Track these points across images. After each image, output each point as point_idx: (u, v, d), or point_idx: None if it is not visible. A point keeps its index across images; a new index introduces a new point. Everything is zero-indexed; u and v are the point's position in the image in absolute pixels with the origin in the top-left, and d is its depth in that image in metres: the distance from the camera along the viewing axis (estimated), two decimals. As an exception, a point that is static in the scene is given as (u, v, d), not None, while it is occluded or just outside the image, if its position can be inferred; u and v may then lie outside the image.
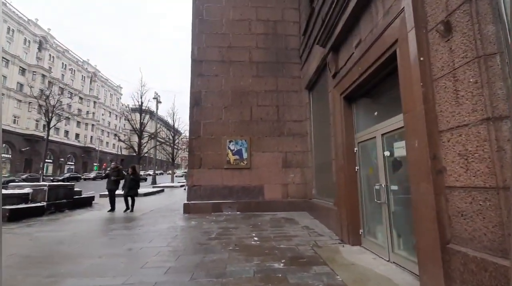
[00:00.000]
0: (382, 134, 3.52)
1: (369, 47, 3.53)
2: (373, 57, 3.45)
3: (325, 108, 6.51)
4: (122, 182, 8.56)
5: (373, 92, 4.07)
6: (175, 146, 24.97)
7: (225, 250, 4.10)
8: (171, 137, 24.92)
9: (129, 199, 8.18)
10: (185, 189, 14.87)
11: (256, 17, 8.40)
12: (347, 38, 4.44)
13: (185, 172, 16.56)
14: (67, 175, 30.23)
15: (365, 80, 3.83)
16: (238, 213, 7.33)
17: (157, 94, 27.82)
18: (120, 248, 4.29)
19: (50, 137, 41.13)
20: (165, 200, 11.83)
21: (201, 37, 8.19)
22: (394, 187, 3.28)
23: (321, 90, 6.80)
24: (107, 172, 9.64)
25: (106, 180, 8.97)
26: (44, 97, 24.05)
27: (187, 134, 32.87)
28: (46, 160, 35.07)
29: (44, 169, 29.94)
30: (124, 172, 8.77)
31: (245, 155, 7.67)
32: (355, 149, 4.41)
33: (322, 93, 6.69)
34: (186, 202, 7.52)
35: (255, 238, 4.71)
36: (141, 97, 17.20)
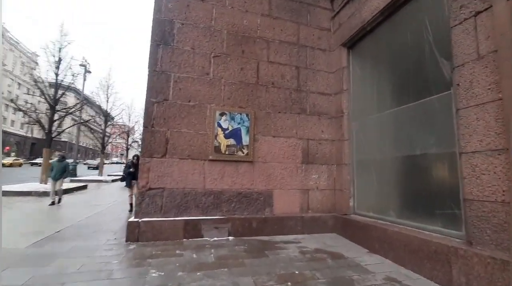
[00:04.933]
0: None
1: None
2: None
3: (384, 73, 3.96)
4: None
5: None
6: (105, 132, 19.39)
7: None
8: (101, 119, 19.22)
9: None
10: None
11: None
12: None
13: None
14: None
15: None
16: (230, 238, 4.21)
17: (85, 60, 21.72)
18: None
19: None
20: (89, 206, 7.64)
21: None
22: None
23: (378, 44, 4.21)
24: None
25: None
26: None
27: (123, 118, 26.54)
28: None
29: None
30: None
31: (245, 139, 4.58)
32: None
33: (380, 49, 4.12)
34: (132, 219, 4.01)
35: None
36: (59, 51, 11.82)
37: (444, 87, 3.10)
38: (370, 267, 3.22)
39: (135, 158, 6.32)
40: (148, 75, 4.29)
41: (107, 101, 18.91)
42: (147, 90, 4.25)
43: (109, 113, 19.44)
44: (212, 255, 3.49)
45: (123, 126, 23.61)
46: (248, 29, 4.89)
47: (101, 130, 19.32)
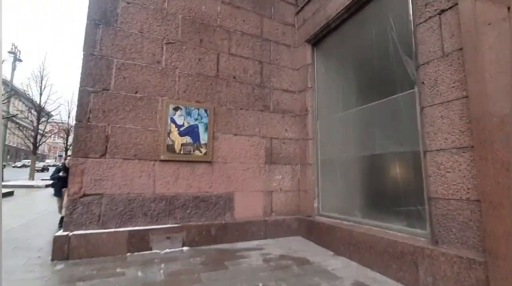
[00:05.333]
0: None
1: None
2: None
3: (349, 71, 3.93)
4: None
5: None
6: (39, 130, 16.73)
7: None
8: (33, 114, 16.48)
9: None
10: None
11: None
12: None
13: None
14: None
15: None
16: (185, 249, 3.70)
17: (15, 47, 18.68)
18: None
19: None
20: (12, 216, 6.26)
21: None
22: None
23: (343, 41, 4.17)
24: None
25: None
26: None
27: (61, 114, 23.13)
28: None
29: None
30: None
31: (203, 137, 4.11)
32: (558, 125, 1.95)
33: (345, 47, 4.08)
34: (60, 233, 3.24)
35: None
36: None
37: (408, 85, 3.08)
38: (337, 271, 3.04)
39: (69, 159, 5.20)
40: (83, 59, 3.55)
41: (41, 94, 16.35)
42: (81, 77, 3.51)
43: (43, 108, 16.85)
44: (162, 271, 2.96)
45: (61, 124, 20.71)
46: (207, 17, 4.44)
47: (32, 128, 16.64)
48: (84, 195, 3.36)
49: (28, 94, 16.62)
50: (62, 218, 4.90)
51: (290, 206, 4.64)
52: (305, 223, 4.44)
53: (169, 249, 3.63)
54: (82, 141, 3.42)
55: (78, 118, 3.45)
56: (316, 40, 4.78)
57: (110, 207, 3.46)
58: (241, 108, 4.49)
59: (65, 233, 3.21)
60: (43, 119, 17.20)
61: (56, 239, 3.17)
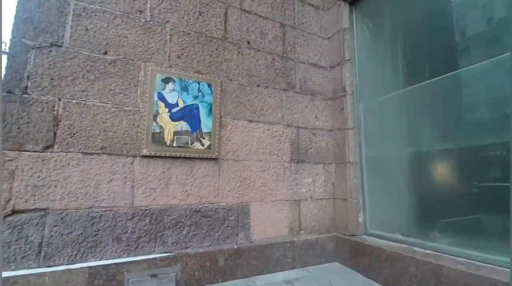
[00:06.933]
0: None
1: None
2: None
3: (411, 32, 2.73)
4: None
5: None
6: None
7: None
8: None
9: None
10: None
11: None
12: None
13: None
14: None
15: None
16: (179, 291, 2.43)
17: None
18: None
19: None
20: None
21: None
22: None
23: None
24: None
25: None
26: None
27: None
28: None
29: None
30: None
31: (206, 123, 2.84)
32: None
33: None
34: (-33, 277, 1.94)
35: None
36: None
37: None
38: None
39: None
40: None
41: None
42: (15, 23, 2.21)
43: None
44: None
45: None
46: (212, -44, 3.18)
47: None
48: (15, 212, 2.07)
49: None
50: None
51: (323, 220, 3.41)
52: (346, 244, 3.20)
53: (155, 292, 2.36)
54: (13, 124, 2.13)
55: (8, 88, 2.15)
56: (358, -4, 3.57)
57: (59, 230, 2.17)
58: (258, 85, 3.24)
59: (-23, 277, 1.91)
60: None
61: (-40, 288, 1.86)
